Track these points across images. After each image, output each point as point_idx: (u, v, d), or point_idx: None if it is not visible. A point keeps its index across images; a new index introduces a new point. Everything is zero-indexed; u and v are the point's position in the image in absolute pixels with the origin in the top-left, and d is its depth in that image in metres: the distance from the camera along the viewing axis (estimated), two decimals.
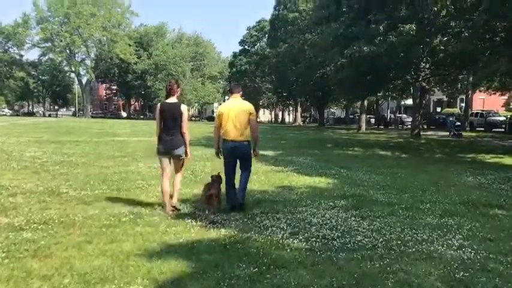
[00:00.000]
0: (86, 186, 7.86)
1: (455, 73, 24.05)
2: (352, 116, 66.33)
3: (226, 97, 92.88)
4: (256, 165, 10.14)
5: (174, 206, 6.29)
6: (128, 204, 6.53)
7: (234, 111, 6.34)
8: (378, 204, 6.99)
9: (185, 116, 6.24)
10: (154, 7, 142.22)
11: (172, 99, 6.28)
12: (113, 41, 74.43)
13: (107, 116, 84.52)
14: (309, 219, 5.87)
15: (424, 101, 36.50)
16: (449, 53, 16.90)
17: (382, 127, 51.36)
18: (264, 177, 9.39)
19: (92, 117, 79.03)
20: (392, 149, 19.05)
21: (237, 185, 6.62)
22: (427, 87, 30.67)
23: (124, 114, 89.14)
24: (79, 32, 74.36)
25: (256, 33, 66.69)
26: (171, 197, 6.34)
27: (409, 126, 49.36)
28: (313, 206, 6.67)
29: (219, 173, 6.53)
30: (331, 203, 6.86)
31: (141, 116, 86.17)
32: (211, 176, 6.49)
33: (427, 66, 21.43)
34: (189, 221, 5.71)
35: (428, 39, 17.17)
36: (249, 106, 6.47)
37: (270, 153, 14.73)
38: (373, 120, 57.33)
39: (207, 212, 5.96)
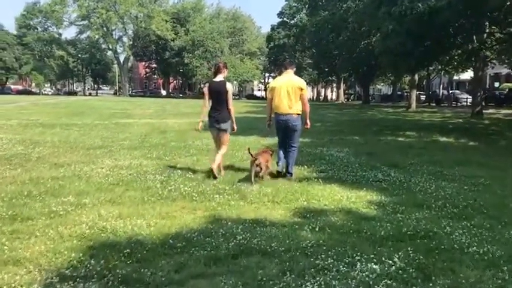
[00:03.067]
0: None
1: None
2: (399, 93, 61.33)
3: (267, 74, 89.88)
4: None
5: (213, 171, 6.59)
6: None
7: (286, 86, 6.69)
8: (464, 263, 3.59)
9: (230, 93, 6.77)
10: None
11: (219, 78, 6.82)
12: (149, 17, 72.32)
13: (146, 95, 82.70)
14: None
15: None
16: None
17: (433, 105, 46.58)
18: (270, 187, 6.12)
19: (131, 95, 77.72)
20: (454, 133, 15.19)
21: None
22: (492, 57, 26.06)
23: (163, 92, 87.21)
24: (115, 9, 72.82)
25: (296, 4, 62.17)
26: (213, 162, 6.75)
27: (464, 104, 44.65)
28: (339, 272, 3.36)
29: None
30: (375, 265, 3.49)
31: (180, 95, 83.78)
32: (263, 148, 7.30)
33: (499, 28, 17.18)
34: None
35: None
36: (300, 82, 6.82)
37: None
38: (423, 97, 52.38)
39: (255, 178, 6.36)
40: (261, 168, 6.45)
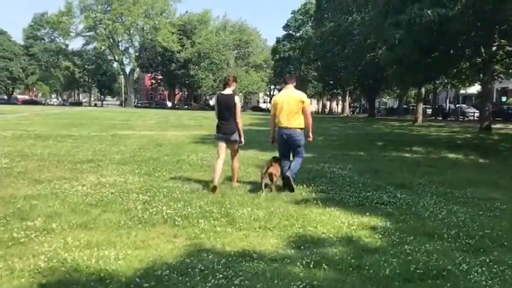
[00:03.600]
0: None
1: None
2: (405, 106, 60.67)
3: (272, 86, 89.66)
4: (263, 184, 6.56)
5: (234, 183, 7.05)
6: None
7: (288, 100, 6.74)
8: None
9: (238, 106, 6.83)
10: None
11: (228, 91, 6.88)
12: (156, 29, 72.45)
13: (152, 106, 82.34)
14: None
15: None
16: None
17: (440, 119, 45.92)
18: (263, 211, 5.52)
19: (137, 107, 77.54)
20: (463, 149, 14.56)
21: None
22: (500, 70, 25.45)
23: (169, 104, 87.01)
24: (122, 20, 73.06)
25: (301, 17, 61.97)
26: (232, 179, 7.17)
27: (471, 118, 43.91)
28: None
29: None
30: None
31: (185, 106, 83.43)
32: (273, 157, 7.02)
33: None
34: None
35: None
36: (301, 95, 6.86)
37: None
38: (430, 111, 51.71)
39: (264, 188, 6.55)
40: (272, 180, 6.58)
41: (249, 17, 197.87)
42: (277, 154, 7.20)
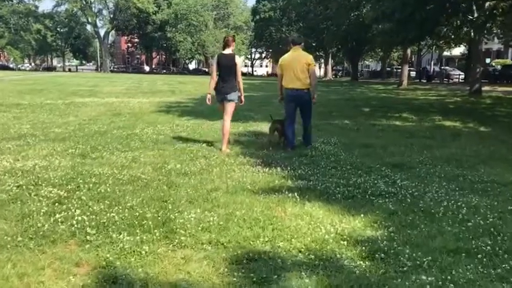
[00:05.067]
0: None
1: None
2: (389, 69, 59.23)
3: (253, 49, 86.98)
4: (227, 167, 5.04)
5: (222, 152, 6.72)
6: None
7: (294, 61, 6.90)
8: None
9: (239, 66, 6.87)
10: None
11: (228, 51, 6.87)
12: None
13: (129, 71, 79.10)
14: None
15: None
16: None
17: (424, 81, 44.66)
18: (219, 211, 4.01)
19: (112, 71, 74.49)
20: (457, 115, 13.17)
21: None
22: (492, 29, 23.93)
23: (147, 68, 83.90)
24: None
25: None
26: (221, 143, 6.96)
27: (456, 81, 42.74)
28: None
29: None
30: None
31: (164, 71, 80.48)
32: (274, 120, 7.37)
33: None
34: None
35: None
36: (307, 57, 7.00)
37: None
38: (413, 73, 50.40)
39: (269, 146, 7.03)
40: (281, 134, 7.30)
41: None
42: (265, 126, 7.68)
